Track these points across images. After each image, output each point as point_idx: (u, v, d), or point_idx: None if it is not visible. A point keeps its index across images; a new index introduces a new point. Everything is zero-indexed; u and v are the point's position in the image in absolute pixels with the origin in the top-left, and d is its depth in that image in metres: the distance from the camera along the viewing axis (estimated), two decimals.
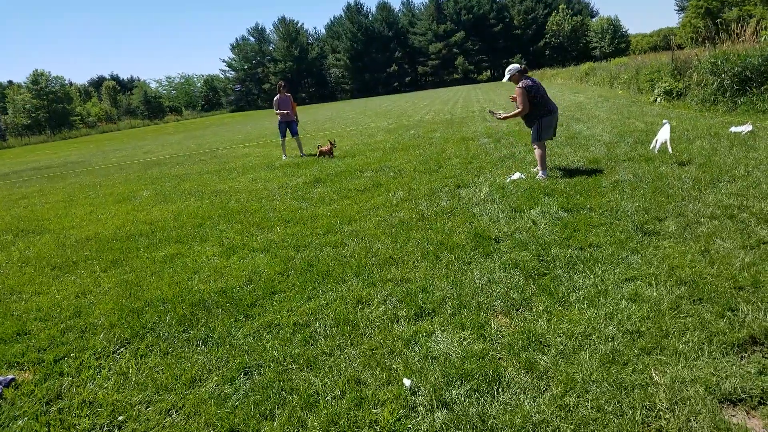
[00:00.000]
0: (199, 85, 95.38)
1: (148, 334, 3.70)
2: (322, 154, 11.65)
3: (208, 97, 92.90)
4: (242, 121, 43.36)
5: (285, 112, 12.19)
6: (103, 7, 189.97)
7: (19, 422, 2.83)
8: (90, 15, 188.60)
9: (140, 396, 2.95)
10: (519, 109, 6.64)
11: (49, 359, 3.49)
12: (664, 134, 6.88)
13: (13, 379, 3.21)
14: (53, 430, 2.74)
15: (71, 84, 78.62)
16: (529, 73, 6.85)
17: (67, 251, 6.26)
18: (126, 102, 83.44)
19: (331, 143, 11.74)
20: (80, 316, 4.19)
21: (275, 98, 12.33)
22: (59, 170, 17.89)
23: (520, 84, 6.55)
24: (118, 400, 2.93)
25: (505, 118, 6.97)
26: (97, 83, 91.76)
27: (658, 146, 7.00)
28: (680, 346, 2.80)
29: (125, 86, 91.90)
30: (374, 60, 79.42)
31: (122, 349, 3.57)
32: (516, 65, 6.76)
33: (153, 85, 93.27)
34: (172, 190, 9.90)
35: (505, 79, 6.94)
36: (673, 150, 6.76)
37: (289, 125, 12.37)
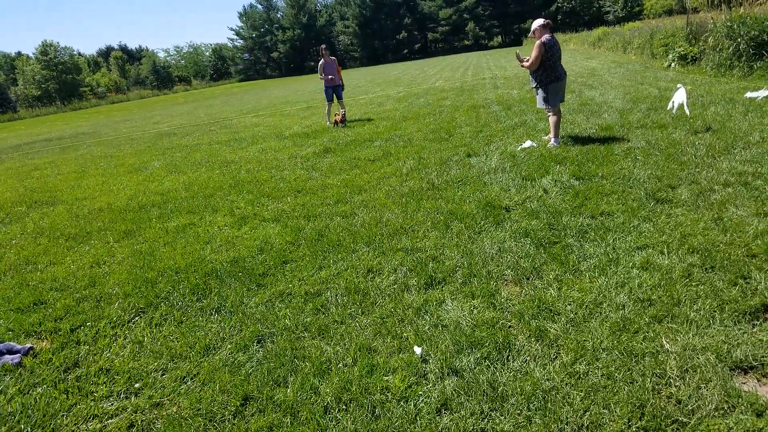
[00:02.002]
0: (207, 54, 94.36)
1: (162, 304, 3.76)
2: (334, 124, 11.55)
3: (216, 67, 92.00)
4: (251, 90, 43.01)
5: (330, 77, 11.92)
6: None
7: (39, 389, 2.91)
8: None
9: (156, 364, 3.02)
10: (529, 62, 6.48)
11: (65, 328, 3.57)
12: (680, 96, 6.74)
13: (31, 348, 3.30)
14: (72, 397, 2.82)
15: (80, 54, 78.27)
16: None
17: (80, 222, 6.33)
18: (135, 72, 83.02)
19: (341, 113, 11.63)
20: (95, 285, 4.26)
21: (320, 62, 12.03)
22: (70, 141, 17.96)
23: (542, 39, 6.38)
24: (134, 367, 3.00)
25: (522, 65, 6.76)
26: (106, 53, 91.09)
27: (675, 108, 6.86)
28: (691, 314, 2.79)
29: (134, 56, 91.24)
30: (383, 27, 77.76)
31: (137, 318, 3.64)
32: (540, 20, 6.56)
33: (161, 54, 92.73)
34: (182, 161, 9.91)
35: (529, 34, 6.77)
36: (690, 112, 6.61)
37: (335, 89, 12.11)
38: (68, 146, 16.34)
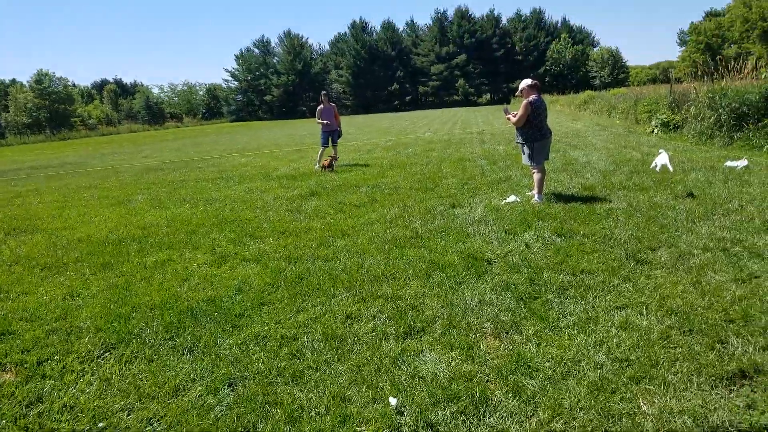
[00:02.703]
0: (201, 93, 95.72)
1: (133, 340, 3.65)
2: (323, 168, 11.67)
3: (209, 106, 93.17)
4: (242, 130, 43.46)
5: (326, 122, 12.07)
6: (111, 11, 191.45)
7: None
8: (97, 19, 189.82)
9: (122, 403, 2.90)
10: (515, 119, 6.68)
11: (32, 361, 3.43)
12: (663, 158, 7.00)
13: None
14: None
15: (74, 85, 78.83)
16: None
17: (57, 252, 6.20)
18: (128, 106, 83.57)
19: (330, 158, 11.78)
20: (66, 318, 4.13)
21: (318, 107, 12.22)
22: (56, 170, 17.82)
23: (529, 98, 6.60)
24: (100, 406, 2.88)
25: (509, 119, 6.94)
26: (100, 86, 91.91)
27: (659, 167, 7.09)
28: (669, 377, 2.79)
29: (128, 90, 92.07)
30: (376, 78, 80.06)
31: (107, 354, 3.52)
32: (528, 80, 6.81)
33: (155, 90, 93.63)
34: (167, 196, 9.86)
35: (517, 93, 6.99)
36: (672, 171, 6.83)
37: (331, 135, 12.24)
38: (53, 175, 16.20)
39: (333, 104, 12.30)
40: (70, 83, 72.14)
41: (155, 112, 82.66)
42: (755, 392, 2.64)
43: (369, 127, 31.47)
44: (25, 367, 3.37)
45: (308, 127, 36.17)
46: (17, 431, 2.71)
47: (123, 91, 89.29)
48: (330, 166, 11.59)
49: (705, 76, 14.00)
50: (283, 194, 9.01)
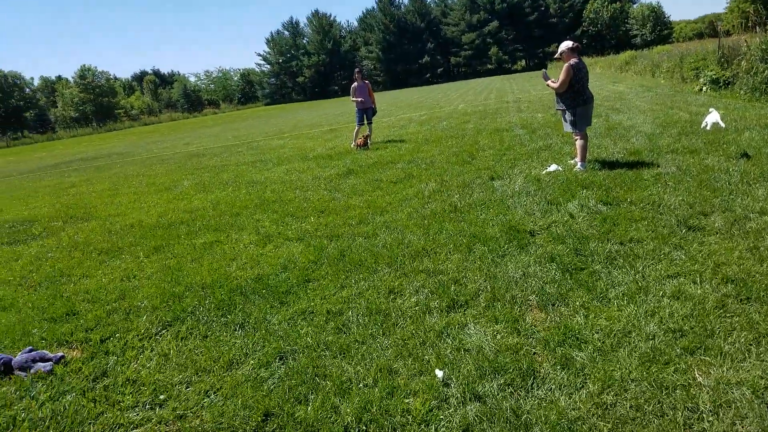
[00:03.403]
0: (236, 78, 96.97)
1: (188, 318, 3.82)
2: (357, 146, 11.69)
3: (244, 91, 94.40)
4: (277, 113, 43.91)
5: (360, 99, 12.01)
6: (145, 3, 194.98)
7: (68, 397, 2.97)
8: (133, 12, 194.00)
9: (180, 376, 3.05)
10: (557, 84, 6.48)
11: (95, 339, 3.65)
12: (714, 116, 6.66)
13: (62, 357, 3.38)
14: (99, 406, 2.87)
15: (116, 78, 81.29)
16: None
17: (112, 237, 6.50)
18: (167, 95, 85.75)
19: (365, 136, 11.76)
20: (125, 298, 4.36)
21: (353, 85, 12.19)
22: (105, 161, 18.56)
23: (570, 61, 6.38)
24: (160, 379, 3.04)
25: (549, 85, 6.74)
26: (140, 78, 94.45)
27: (709, 125, 6.75)
28: (726, 347, 2.70)
29: (166, 80, 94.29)
30: (406, 52, 78.87)
31: (164, 331, 3.69)
32: (568, 42, 6.55)
33: (192, 79, 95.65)
34: (210, 180, 10.13)
35: (556, 56, 6.75)
36: (725, 130, 6.48)
37: (365, 112, 12.20)
38: (103, 165, 16.88)
39: (367, 81, 12.21)
40: (111, 77, 74.44)
41: (193, 100, 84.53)
42: None
43: (401, 102, 31.18)
44: (90, 345, 3.59)
45: (341, 106, 36.18)
46: (86, 402, 2.90)
47: (161, 81, 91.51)
48: (365, 144, 11.58)
49: (757, 27, 13.09)
50: (320, 174, 9.09)
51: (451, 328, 3.23)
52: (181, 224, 6.72)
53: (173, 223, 6.83)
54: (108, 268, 5.26)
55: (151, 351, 3.42)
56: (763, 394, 2.35)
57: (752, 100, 11.02)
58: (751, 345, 2.69)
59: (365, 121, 12.20)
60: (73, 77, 69.74)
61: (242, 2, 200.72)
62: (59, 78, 78.68)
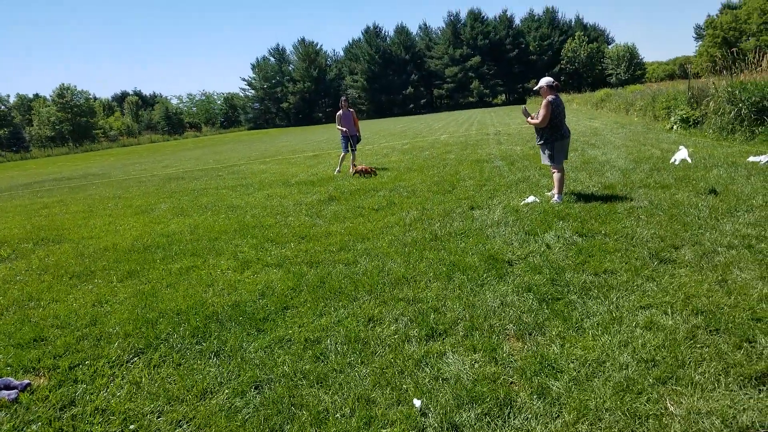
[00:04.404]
0: (219, 102, 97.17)
1: (161, 345, 3.74)
2: (358, 172, 11.41)
3: (227, 115, 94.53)
4: (260, 138, 43.95)
5: (343, 130, 12.19)
6: (130, 25, 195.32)
7: (33, 427, 2.87)
8: (117, 32, 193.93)
9: (152, 406, 2.97)
10: (538, 120, 6.67)
11: (64, 366, 3.54)
12: (682, 153, 6.93)
13: (28, 384, 3.26)
14: None
15: (95, 98, 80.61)
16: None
17: (85, 261, 6.36)
18: (147, 117, 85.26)
19: (369, 168, 11.47)
20: (96, 324, 4.25)
21: (338, 113, 12.37)
22: (80, 181, 18.24)
23: (549, 98, 6.58)
24: (130, 408, 2.95)
25: (528, 121, 6.95)
26: (121, 98, 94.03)
27: (678, 161, 7.02)
28: (696, 377, 2.76)
29: (147, 102, 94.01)
30: (391, 82, 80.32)
31: (136, 358, 3.61)
32: (549, 78, 6.77)
33: (174, 101, 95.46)
34: (189, 204, 10.03)
35: (535, 88, 6.96)
36: (693, 170, 6.74)
37: (350, 139, 12.36)
38: (78, 186, 16.59)
39: (352, 110, 12.42)
40: (91, 96, 73.81)
41: (174, 123, 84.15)
42: None
43: (384, 130, 31.55)
44: (58, 372, 3.48)
45: (325, 133, 36.42)
46: None
47: (143, 102, 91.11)
48: (368, 171, 11.22)
49: (723, 71, 13.73)
50: (302, 199, 9.10)
51: (430, 357, 3.23)
52: (157, 248, 6.63)
53: (149, 247, 6.72)
54: (79, 293, 5.13)
55: (122, 379, 3.33)
56: (731, 424, 2.40)
57: (720, 139, 11.47)
58: (720, 375, 2.75)
59: (350, 148, 12.34)
60: (51, 95, 68.96)
61: (228, 27, 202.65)
62: (37, 96, 77.78)
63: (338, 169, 12.46)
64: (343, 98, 12.58)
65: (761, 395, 2.59)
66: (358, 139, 12.57)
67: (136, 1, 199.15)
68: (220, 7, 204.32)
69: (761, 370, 2.75)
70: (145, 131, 78.85)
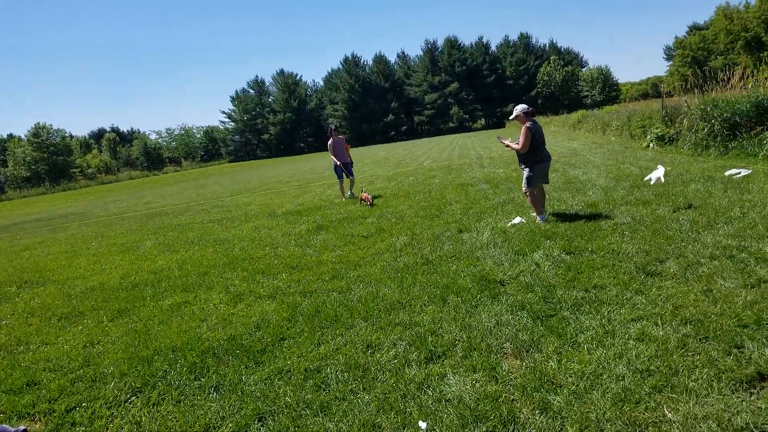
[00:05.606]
0: (198, 136, 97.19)
1: (159, 383, 3.70)
2: (364, 200, 10.99)
3: (207, 148, 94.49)
4: (242, 170, 43.95)
5: (338, 163, 12.25)
6: (106, 61, 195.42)
7: None
8: (92, 69, 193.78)
9: None
10: (519, 146, 6.83)
11: (60, 409, 3.49)
12: (659, 172, 7.17)
13: (25, 430, 3.20)
14: None
15: (72, 137, 80.00)
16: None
17: (72, 301, 6.27)
18: (126, 153, 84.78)
19: (368, 196, 11.03)
20: (89, 365, 4.19)
21: (329, 142, 12.44)
22: (60, 222, 17.99)
23: (527, 124, 6.76)
24: None
25: (508, 146, 7.10)
26: (98, 135, 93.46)
27: (653, 180, 7.25)
28: (690, 384, 2.84)
29: (125, 138, 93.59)
30: (371, 110, 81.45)
31: (134, 397, 3.57)
32: (524, 105, 6.95)
33: (153, 137, 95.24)
34: (175, 240, 9.98)
35: (512, 117, 7.12)
36: (668, 186, 6.99)
37: (345, 167, 12.42)
38: (58, 226, 16.36)
39: (342, 137, 12.55)
40: (67, 134, 73.25)
41: (154, 158, 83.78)
42: None
43: (367, 158, 31.85)
44: (54, 416, 3.42)
45: (308, 163, 36.58)
46: None
47: (121, 139, 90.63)
48: (370, 203, 10.75)
49: (695, 89, 14.26)
50: (290, 230, 9.12)
51: (431, 379, 3.26)
52: (145, 285, 6.57)
53: (137, 285, 6.67)
54: (69, 334, 5.06)
55: (122, 419, 3.29)
56: (727, 427, 2.47)
57: (695, 155, 11.85)
58: (713, 381, 2.84)
59: (346, 176, 12.44)
60: (26, 135, 68.25)
61: (206, 62, 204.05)
62: (11, 136, 76.90)
63: (343, 197, 12.57)
64: (332, 127, 12.70)
65: (753, 398, 2.68)
66: (351, 164, 12.66)
67: (110, 38, 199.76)
68: (196, 41, 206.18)
69: (751, 374, 2.84)
70: (124, 168, 78.30)
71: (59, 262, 9.21)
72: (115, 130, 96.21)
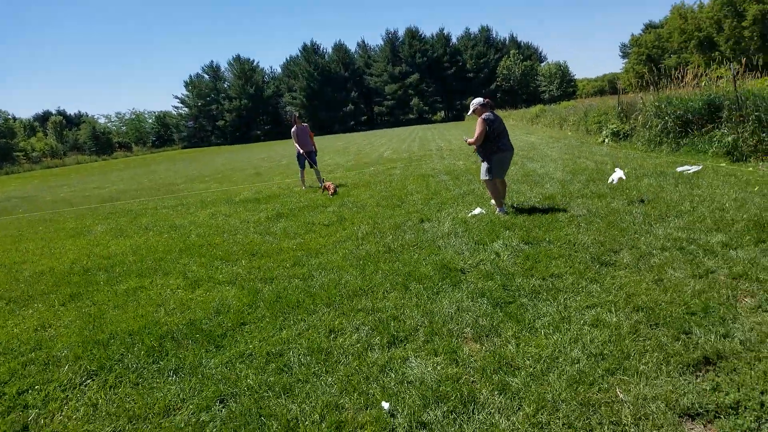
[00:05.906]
0: (150, 121, 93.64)
1: (115, 366, 3.60)
2: (327, 189, 10.90)
3: (159, 133, 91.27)
4: (196, 157, 42.78)
5: (301, 151, 11.93)
6: (52, 41, 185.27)
7: None
8: (38, 49, 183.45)
9: (112, 426, 2.87)
10: (473, 139, 6.92)
11: (11, 392, 3.36)
12: (619, 174, 7.50)
13: None
14: None
15: (15, 119, 75.63)
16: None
17: (21, 285, 5.99)
18: (73, 137, 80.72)
19: (332, 185, 10.93)
20: (41, 349, 4.03)
21: (293, 129, 12.02)
22: (3, 205, 17.05)
23: (483, 115, 6.85)
24: (90, 430, 2.84)
25: (468, 143, 7.16)
26: (43, 118, 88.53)
27: (615, 180, 7.57)
28: (641, 367, 2.99)
29: (72, 122, 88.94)
30: (330, 99, 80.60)
31: (89, 380, 3.46)
32: (479, 99, 7.04)
33: (102, 120, 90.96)
34: (127, 225, 9.65)
35: (469, 112, 7.18)
36: (626, 182, 7.34)
37: (308, 155, 12.03)
38: (1, 209, 15.50)
39: (305, 124, 12.24)
40: (10, 117, 69.25)
41: (103, 143, 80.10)
42: (719, 376, 2.86)
43: (327, 147, 31.58)
44: (5, 398, 3.30)
45: (265, 150, 35.97)
46: None
47: (68, 122, 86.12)
48: (333, 192, 10.62)
49: (650, 86, 14.73)
50: (249, 217, 8.97)
51: (394, 362, 3.31)
52: (98, 270, 6.34)
53: (89, 270, 6.42)
54: (19, 318, 4.84)
55: (77, 401, 3.19)
56: (674, 406, 2.63)
57: (648, 151, 12.36)
58: (662, 364, 3.00)
59: (309, 165, 12.13)
60: None
61: (158, 45, 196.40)
62: None
63: (303, 186, 12.30)
64: (295, 115, 12.32)
65: (698, 380, 2.85)
66: (315, 153, 12.33)
67: (54, 17, 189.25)
68: (148, 23, 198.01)
69: (697, 358, 3.02)
70: (71, 152, 74.51)
71: (4, 246, 8.77)
72: (61, 113, 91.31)
